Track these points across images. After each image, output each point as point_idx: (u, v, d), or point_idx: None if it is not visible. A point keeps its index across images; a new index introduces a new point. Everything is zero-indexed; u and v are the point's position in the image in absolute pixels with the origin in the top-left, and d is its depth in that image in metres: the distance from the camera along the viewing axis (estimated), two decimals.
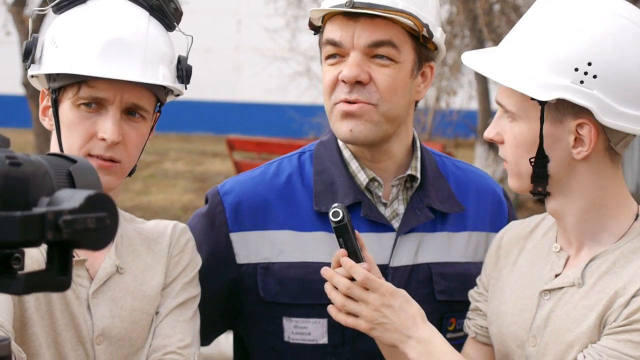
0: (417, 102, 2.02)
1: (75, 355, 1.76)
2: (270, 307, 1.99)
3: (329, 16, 1.94)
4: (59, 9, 1.82)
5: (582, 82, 1.62)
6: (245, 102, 17.02)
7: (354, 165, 2.00)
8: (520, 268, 1.84)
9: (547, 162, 1.68)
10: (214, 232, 2.01)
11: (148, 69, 1.78)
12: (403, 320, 1.74)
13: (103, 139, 1.77)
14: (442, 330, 2.00)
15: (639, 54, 1.65)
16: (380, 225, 1.97)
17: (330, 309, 1.79)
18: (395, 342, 1.75)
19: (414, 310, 1.75)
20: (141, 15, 1.83)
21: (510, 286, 1.83)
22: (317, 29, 2.00)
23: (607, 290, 1.66)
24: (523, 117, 1.68)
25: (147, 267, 1.87)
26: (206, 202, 2.07)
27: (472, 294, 1.95)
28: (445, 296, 2.01)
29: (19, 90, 9.67)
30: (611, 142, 1.68)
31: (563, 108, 1.65)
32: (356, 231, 1.79)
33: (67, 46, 1.77)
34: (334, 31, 1.92)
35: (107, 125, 1.76)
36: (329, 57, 1.94)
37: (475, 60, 1.77)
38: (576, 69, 1.62)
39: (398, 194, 2.02)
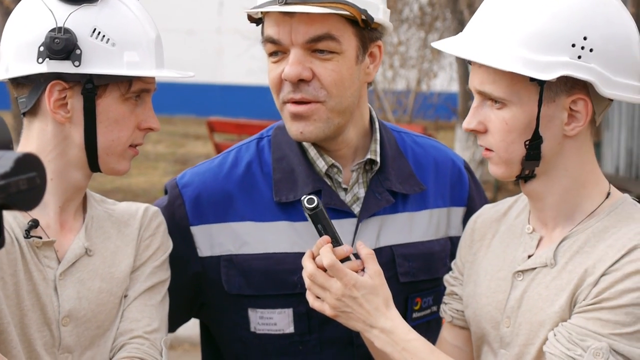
0: (370, 83, 1.99)
1: (40, 336, 1.75)
2: (235, 299, 1.99)
3: (266, 11, 1.89)
4: (78, 1, 1.78)
5: (579, 57, 1.63)
6: (227, 84, 16.96)
7: (312, 152, 1.98)
8: (494, 250, 1.84)
9: (541, 142, 1.68)
10: (174, 225, 1.99)
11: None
12: (366, 310, 1.74)
13: (151, 129, 1.84)
14: (408, 310, 2.01)
15: (624, 24, 1.68)
16: (341, 212, 1.96)
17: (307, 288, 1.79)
18: (360, 330, 1.76)
19: (378, 300, 1.74)
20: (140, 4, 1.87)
21: (485, 268, 1.84)
22: (257, 22, 1.95)
23: (578, 270, 1.67)
24: (514, 102, 1.66)
25: (116, 249, 1.86)
26: (165, 193, 2.06)
27: (447, 278, 1.95)
28: (409, 277, 2.01)
29: None
30: (595, 113, 1.69)
31: (556, 86, 1.65)
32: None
33: (126, 46, 1.77)
34: (271, 27, 1.88)
35: (151, 115, 1.84)
36: (271, 54, 1.90)
37: (456, 46, 1.74)
38: (573, 45, 1.63)
39: (358, 178, 2.01)
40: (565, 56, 1.62)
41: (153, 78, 1.83)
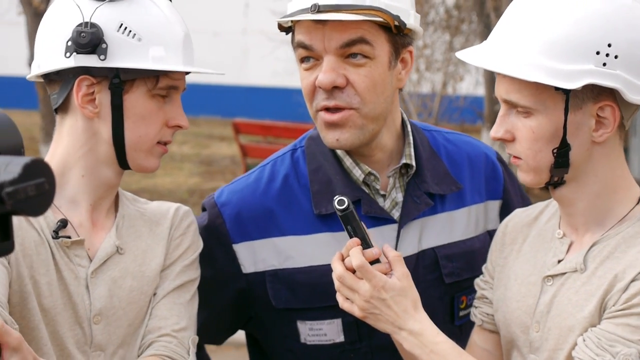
0: (401, 88, 1.99)
1: (72, 334, 1.77)
2: (283, 312, 1.99)
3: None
4: None
5: (604, 64, 1.62)
6: (252, 86, 17.00)
7: (347, 162, 1.98)
8: (524, 254, 1.84)
9: (569, 150, 1.67)
10: (216, 244, 2.00)
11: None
12: (394, 312, 1.74)
13: (179, 126, 1.85)
14: (455, 309, 2.02)
15: None
16: (381, 219, 1.96)
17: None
18: (389, 332, 1.76)
19: (407, 302, 1.74)
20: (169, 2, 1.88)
21: (515, 272, 1.83)
22: (287, 30, 1.95)
23: (607, 275, 1.66)
24: (540, 110, 1.66)
25: (147, 248, 1.87)
26: (203, 210, 2.06)
27: (477, 282, 1.95)
28: (453, 278, 2.01)
29: (25, 71, 9.67)
30: (624, 119, 1.68)
31: (582, 94, 1.64)
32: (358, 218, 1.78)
33: (152, 41, 1.78)
34: (303, 34, 1.87)
35: (180, 112, 1.84)
36: (303, 60, 1.89)
37: (479, 56, 1.72)
38: (597, 52, 1.61)
39: (395, 183, 2.01)
40: (589, 64, 1.61)
41: (182, 75, 1.83)
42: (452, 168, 2.06)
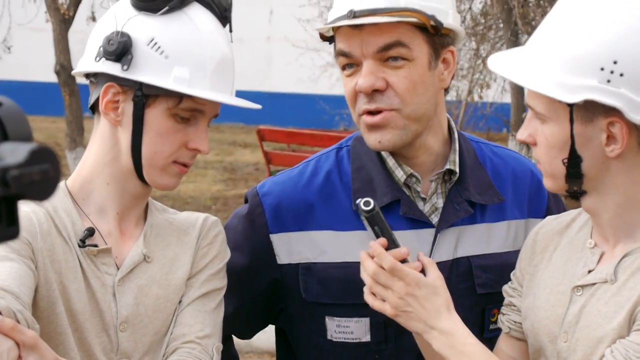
0: (447, 89, 2.01)
1: (99, 341, 1.79)
2: (312, 306, 2.01)
3: (336, 27, 1.92)
4: (148, 9, 1.79)
5: (609, 81, 1.60)
6: (276, 93, 17.03)
7: (390, 162, 1.99)
8: (554, 263, 1.83)
9: (580, 161, 1.67)
10: (254, 233, 2.03)
11: (232, 87, 1.87)
12: (427, 310, 1.74)
13: (197, 150, 1.83)
14: (485, 321, 2.01)
15: None
16: (419, 222, 1.97)
17: (365, 289, 1.79)
18: (419, 331, 1.75)
19: (440, 301, 1.74)
20: (220, 27, 1.86)
21: (545, 281, 1.82)
22: (330, 39, 1.98)
23: (638, 287, 1.65)
24: (553, 119, 1.67)
25: (175, 256, 1.88)
26: (245, 201, 2.09)
27: (506, 289, 1.94)
28: (486, 289, 2.01)
29: (51, 77, 9.74)
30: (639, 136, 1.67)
31: (592, 107, 1.63)
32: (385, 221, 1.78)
33: (178, 61, 1.77)
34: (342, 42, 1.90)
35: (202, 137, 1.82)
36: (344, 67, 1.93)
37: (500, 62, 1.75)
38: (602, 69, 1.60)
39: (437, 188, 2.01)
40: (593, 79, 1.61)
41: (210, 101, 1.81)
42: (495, 181, 2.07)
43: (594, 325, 1.68)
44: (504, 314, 1.93)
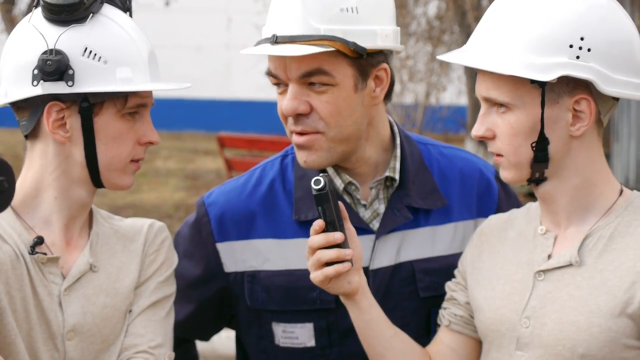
0: (389, 97, 1.99)
1: (46, 349, 1.79)
2: (258, 313, 2.05)
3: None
4: (73, 20, 1.79)
5: (578, 57, 1.67)
6: (236, 100, 17.01)
7: (330, 171, 2.01)
8: (505, 255, 1.86)
9: (548, 144, 1.71)
10: (202, 242, 2.07)
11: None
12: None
13: (150, 143, 1.86)
14: (431, 324, 2.02)
15: (621, 21, 1.72)
16: (359, 229, 1.95)
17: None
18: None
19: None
20: (131, 19, 1.88)
21: (497, 273, 1.85)
22: None
23: (611, 268, 1.70)
24: (518, 105, 1.71)
25: (121, 265, 1.89)
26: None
27: (448, 284, 1.97)
28: (430, 292, 2.03)
29: None
30: (601, 113, 1.73)
31: (558, 88, 1.69)
32: (340, 202, 1.81)
33: (118, 62, 1.78)
34: (270, 62, 1.93)
35: (151, 129, 1.86)
36: (275, 85, 1.94)
37: (459, 57, 1.79)
38: (571, 46, 1.67)
39: (378, 194, 2.03)
40: (564, 57, 1.67)
41: (149, 92, 1.85)
42: (441, 183, 2.07)
43: (566, 309, 1.72)
44: (445, 309, 1.95)
